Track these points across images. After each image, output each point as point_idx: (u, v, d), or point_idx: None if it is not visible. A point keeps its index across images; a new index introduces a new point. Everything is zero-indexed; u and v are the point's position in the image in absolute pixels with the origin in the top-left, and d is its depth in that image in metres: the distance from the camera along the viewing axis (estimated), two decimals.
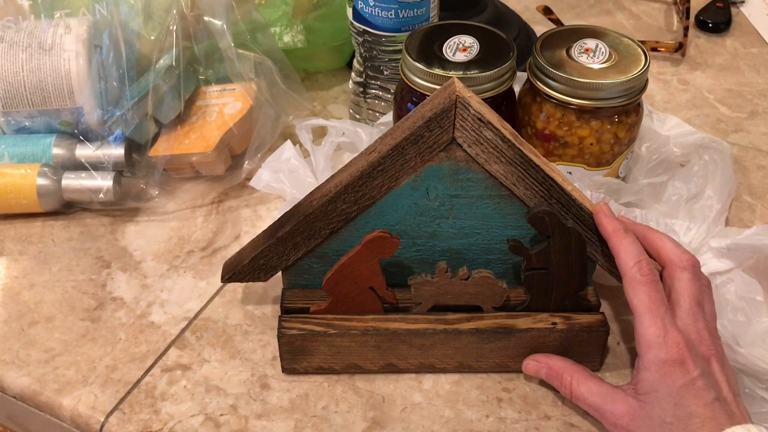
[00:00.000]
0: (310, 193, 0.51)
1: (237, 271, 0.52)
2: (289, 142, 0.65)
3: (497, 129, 0.46)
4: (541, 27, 0.84)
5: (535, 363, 0.51)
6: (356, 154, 0.50)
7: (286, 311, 0.52)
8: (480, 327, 0.50)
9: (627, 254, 0.47)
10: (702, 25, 0.89)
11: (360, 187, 0.48)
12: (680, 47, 0.84)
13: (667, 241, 0.48)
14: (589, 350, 0.51)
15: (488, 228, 0.50)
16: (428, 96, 0.49)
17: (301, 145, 0.65)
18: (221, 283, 0.57)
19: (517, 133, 0.47)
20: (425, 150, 0.47)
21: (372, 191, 0.48)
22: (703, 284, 0.47)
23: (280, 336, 0.50)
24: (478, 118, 0.46)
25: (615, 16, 0.93)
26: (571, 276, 0.49)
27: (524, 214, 0.49)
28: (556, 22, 0.87)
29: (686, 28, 0.85)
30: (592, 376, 0.48)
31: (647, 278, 0.46)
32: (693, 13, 0.89)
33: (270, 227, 0.52)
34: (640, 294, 0.46)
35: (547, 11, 0.88)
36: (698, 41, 0.88)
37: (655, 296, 0.45)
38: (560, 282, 0.50)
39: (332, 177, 0.50)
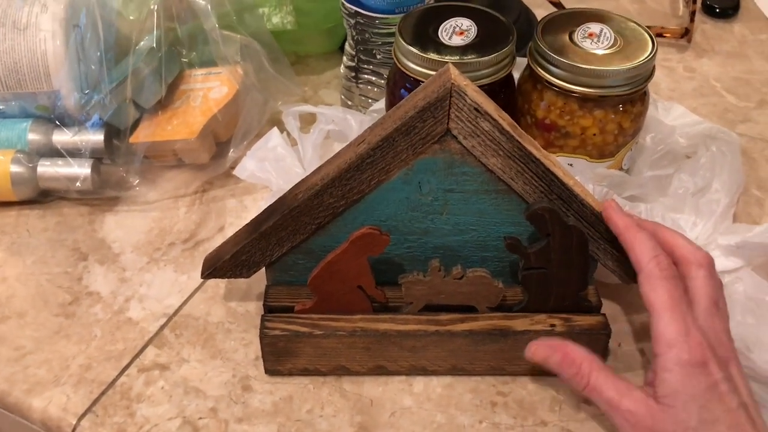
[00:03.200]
0: (295, 185, 0.48)
1: (218, 266, 0.49)
2: (275, 129, 0.61)
3: (495, 120, 0.43)
4: (542, 11, 0.80)
5: (546, 348, 0.46)
6: (346, 143, 0.47)
7: (270, 310, 0.49)
8: (474, 329, 0.47)
9: (642, 249, 0.44)
10: (709, 10, 0.86)
11: (348, 180, 0.45)
12: (686, 33, 0.80)
13: (679, 238, 0.46)
14: None
15: (484, 224, 0.48)
16: (422, 82, 0.46)
17: (288, 133, 0.62)
18: None
19: (516, 125, 0.44)
20: (418, 142, 0.44)
21: (361, 185, 0.46)
22: (717, 283, 0.45)
23: (263, 337, 0.47)
24: (475, 108, 0.42)
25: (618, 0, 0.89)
26: (571, 275, 0.47)
27: (522, 210, 0.46)
28: (558, 5, 0.83)
29: (693, 13, 0.82)
30: (611, 371, 0.44)
31: (666, 273, 0.43)
32: None
33: (253, 221, 0.49)
34: (659, 290, 0.42)
35: None
36: (705, 27, 0.85)
37: (675, 293, 0.42)
38: (560, 282, 0.47)
39: (318, 169, 0.47)
